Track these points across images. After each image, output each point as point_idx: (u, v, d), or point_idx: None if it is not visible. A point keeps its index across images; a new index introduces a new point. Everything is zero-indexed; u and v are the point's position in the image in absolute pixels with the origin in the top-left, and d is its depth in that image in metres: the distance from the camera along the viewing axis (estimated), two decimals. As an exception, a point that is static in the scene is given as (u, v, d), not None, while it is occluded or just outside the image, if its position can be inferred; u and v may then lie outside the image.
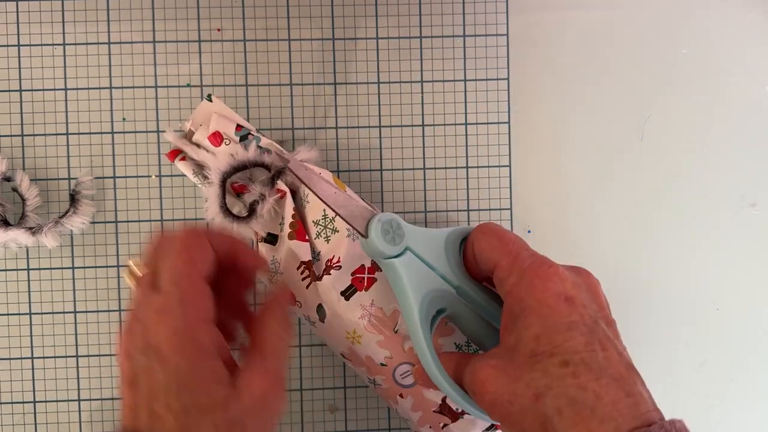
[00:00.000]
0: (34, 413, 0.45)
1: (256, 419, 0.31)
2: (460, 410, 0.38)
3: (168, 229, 0.34)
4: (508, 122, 0.46)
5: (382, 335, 0.38)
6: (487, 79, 0.46)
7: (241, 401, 0.30)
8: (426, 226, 0.45)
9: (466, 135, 0.46)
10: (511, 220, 0.46)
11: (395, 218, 0.36)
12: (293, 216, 0.40)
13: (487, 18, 0.46)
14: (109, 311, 0.45)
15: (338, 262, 0.38)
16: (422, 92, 0.46)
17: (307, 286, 0.39)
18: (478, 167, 0.46)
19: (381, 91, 0.45)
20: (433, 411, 0.39)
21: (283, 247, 0.39)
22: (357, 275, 0.38)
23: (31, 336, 0.45)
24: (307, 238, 0.39)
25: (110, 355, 0.45)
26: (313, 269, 0.39)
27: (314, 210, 0.40)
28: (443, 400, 0.38)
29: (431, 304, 0.36)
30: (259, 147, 0.42)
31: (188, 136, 0.43)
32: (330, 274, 0.38)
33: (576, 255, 0.46)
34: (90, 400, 0.45)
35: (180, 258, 0.31)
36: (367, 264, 0.38)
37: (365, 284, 0.38)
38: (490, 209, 0.46)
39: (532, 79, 0.46)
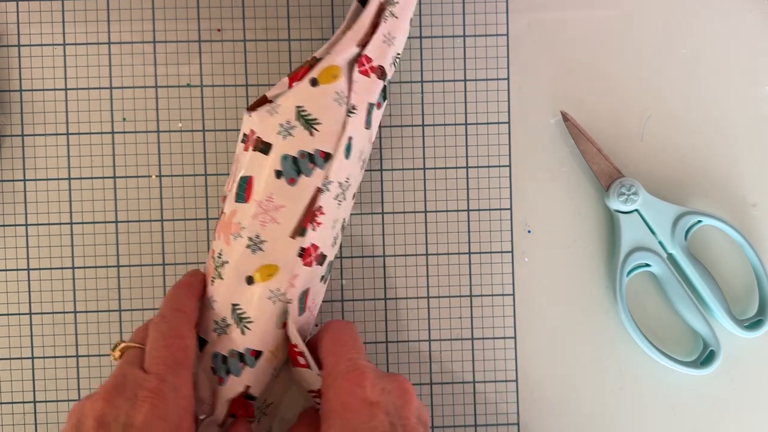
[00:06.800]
0: (35, 413, 0.45)
1: None
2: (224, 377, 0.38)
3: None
4: (508, 122, 0.46)
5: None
6: (487, 79, 0.46)
7: None
8: (426, 226, 0.46)
9: (466, 135, 0.46)
10: (511, 220, 0.46)
11: (635, 184, 0.43)
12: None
13: (487, 18, 0.46)
14: (109, 311, 0.45)
15: (328, 179, 0.38)
16: (422, 92, 0.46)
17: (247, 157, 0.38)
18: (478, 167, 0.46)
19: (381, 91, 0.45)
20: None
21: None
22: (310, 212, 0.37)
23: (31, 336, 0.45)
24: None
25: (110, 355, 0.45)
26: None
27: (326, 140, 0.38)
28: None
29: (637, 257, 0.44)
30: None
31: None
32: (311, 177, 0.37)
33: (575, 255, 0.46)
34: (90, 400, 0.45)
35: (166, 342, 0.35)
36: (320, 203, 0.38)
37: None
38: (490, 209, 0.46)
39: (532, 79, 0.46)
